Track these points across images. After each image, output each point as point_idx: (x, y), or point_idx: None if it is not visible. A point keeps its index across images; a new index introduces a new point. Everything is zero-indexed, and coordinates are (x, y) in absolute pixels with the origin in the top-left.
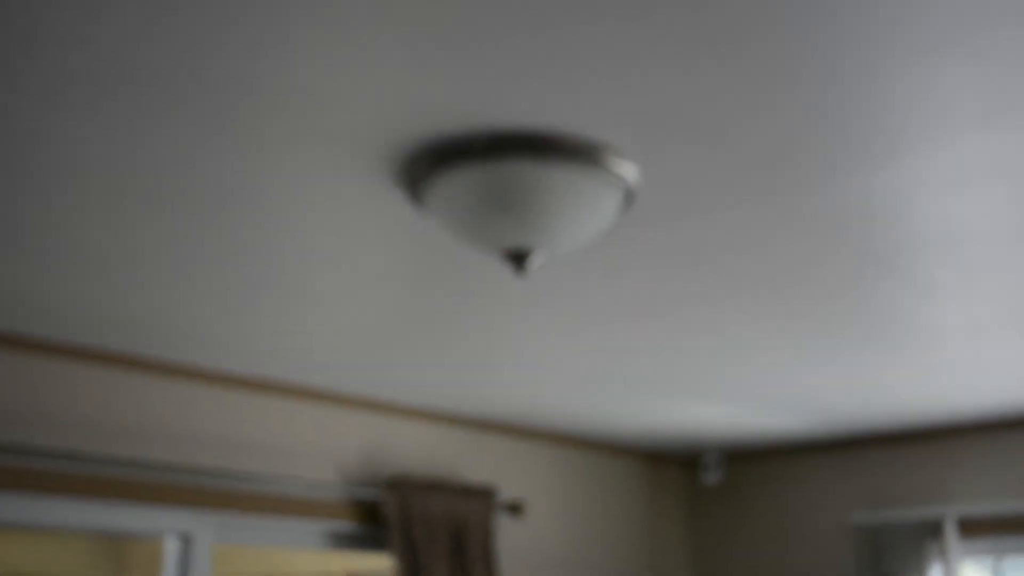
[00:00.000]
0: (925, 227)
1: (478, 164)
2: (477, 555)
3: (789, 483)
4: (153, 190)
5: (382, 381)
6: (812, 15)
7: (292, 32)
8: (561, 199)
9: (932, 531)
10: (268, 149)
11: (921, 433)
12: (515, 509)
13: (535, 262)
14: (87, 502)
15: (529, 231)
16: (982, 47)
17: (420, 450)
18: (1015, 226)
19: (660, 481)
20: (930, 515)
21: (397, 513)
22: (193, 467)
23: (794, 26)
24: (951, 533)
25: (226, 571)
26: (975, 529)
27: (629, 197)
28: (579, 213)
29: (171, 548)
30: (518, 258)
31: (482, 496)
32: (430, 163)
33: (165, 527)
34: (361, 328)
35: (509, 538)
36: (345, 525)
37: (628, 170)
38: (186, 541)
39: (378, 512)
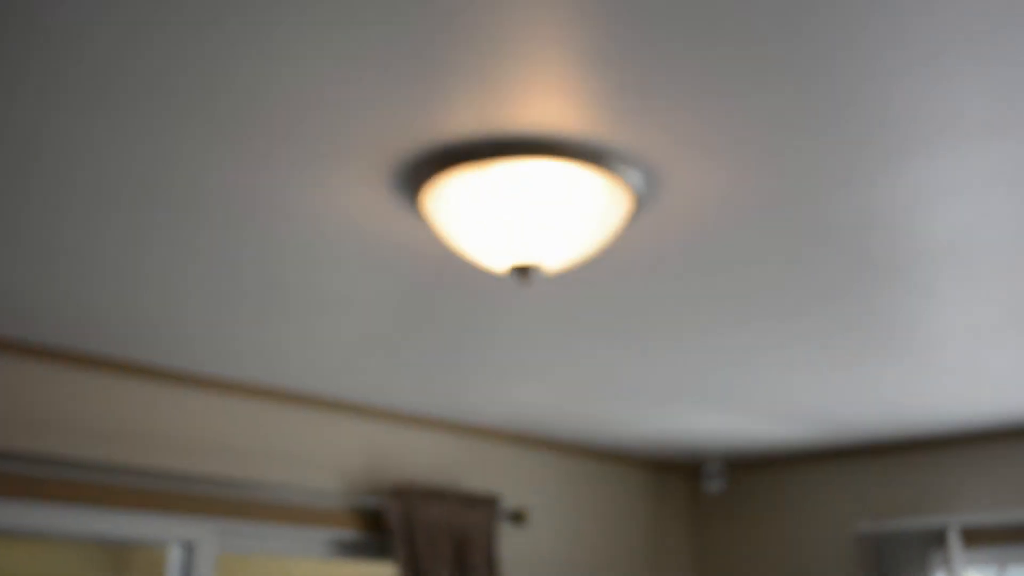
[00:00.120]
0: (929, 235)
1: (481, 169)
2: (480, 564)
3: (792, 492)
4: (158, 198)
5: (386, 389)
6: (816, 25)
7: (296, 40)
8: (566, 208)
9: (936, 540)
10: (271, 157)
11: (924, 442)
12: (518, 517)
13: (538, 272)
14: (91, 510)
15: (533, 241)
16: (986, 54)
17: (423, 458)
18: (1019, 233)
19: (663, 490)
20: (934, 524)
21: (400, 521)
22: (197, 475)
23: (801, 37)
24: (955, 542)
25: None
26: (979, 538)
27: (634, 207)
28: (583, 223)
29: (174, 556)
30: (522, 268)
31: (485, 504)
32: (433, 170)
33: (169, 535)
34: (364, 336)
35: (511, 546)
36: (348, 533)
37: (634, 179)
38: (189, 549)
39: (381, 520)
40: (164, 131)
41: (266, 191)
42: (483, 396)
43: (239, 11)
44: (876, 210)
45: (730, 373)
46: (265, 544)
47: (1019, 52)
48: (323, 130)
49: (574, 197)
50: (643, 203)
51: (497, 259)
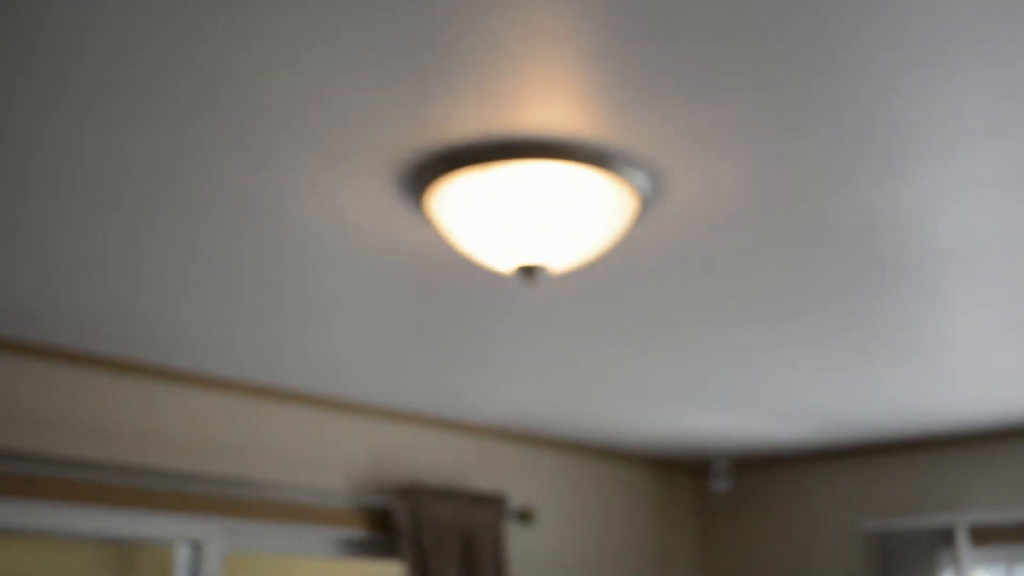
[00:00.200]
0: (934, 237)
1: (486, 172)
2: (487, 563)
3: (799, 491)
4: (158, 198)
5: (393, 389)
6: (820, 27)
7: (298, 41)
8: (570, 210)
9: (943, 539)
10: (276, 158)
11: (931, 441)
12: (525, 517)
13: (544, 272)
14: (99, 509)
15: (538, 242)
16: (993, 57)
17: (430, 458)
18: (1022, 234)
19: (669, 489)
20: (941, 523)
21: (407, 521)
22: (204, 475)
23: (806, 39)
24: (962, 541)
25: None
26: (986, 537)
27: (638, 208)
28: (588, 224)
29: (182, 555)
30: (527, 269)
31: (492, 504)
32: (438, 172)
33: (176, 534)
34: (372, 336)
35: (519, 546)
36: (356, 532)
37: (639, 180)
38: (197, 548)
39: (388, 519)
40: (165, 132)
41: (270, 193)
42: (489, 396)
43: (241, 12)
44: (880, 211)
45: (735, 373)
46: (272, 543)
47: (1022, 52)
48: (326, 132)
49: (578, 199)
50: (648, 204)
51: (502, 260)
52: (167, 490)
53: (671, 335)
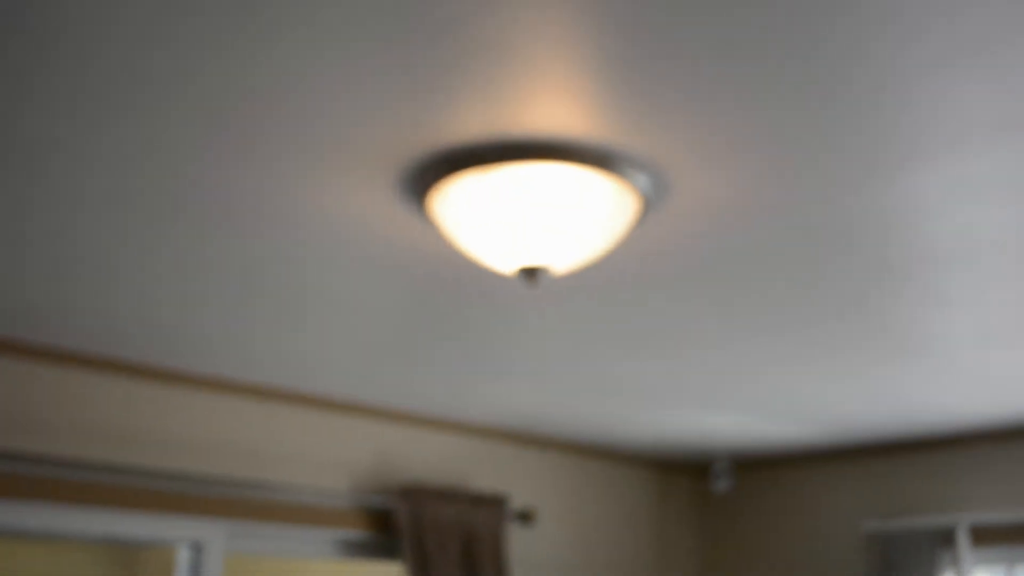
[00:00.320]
0: (937, 238)
1: (488, 173)
2: (488, 563)
3: (799, 491)
4: (169, 204)
5: (394, 390)
6: (828, 29)
7: (303, 46)
8: (573, 211)
9: (944, 539)
10: (276, 159)
11: (933, 441)
12: (526, 517)
13: (546, 274)
14: (100, 511)
15: (540, 243)
16: (998, 61)
17: (431, 459)
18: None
19: (670, 489)
20: (942, 523)
21: (408, 521)
22: (205, 476)
23: (811, 41)
24: (963, 541)
25: None
26: (987, 537)
27: (641, 211)
28: (591, 226)
29: (183, 557)
30: (529, 270)
31: (493, 504)
32: (441, 173)
33: (177, 536)
34: (373, 337)
35: (520, 546)
36: (356, 533)
37: (642, 182)
38: (198, 550)
39: (389, 520)
40: (168, 136)
41: (272, 195)
42: (490, 396)
43: (247, 16)
44: (884, 214)
45: (736, 373)
46: (273, 544)
47: (1020, 55)
48: (331, 134)
49: (581, 200)
50: (650, 206)
51: (505, 261)
52: (168, 491)
53: (672, 336)
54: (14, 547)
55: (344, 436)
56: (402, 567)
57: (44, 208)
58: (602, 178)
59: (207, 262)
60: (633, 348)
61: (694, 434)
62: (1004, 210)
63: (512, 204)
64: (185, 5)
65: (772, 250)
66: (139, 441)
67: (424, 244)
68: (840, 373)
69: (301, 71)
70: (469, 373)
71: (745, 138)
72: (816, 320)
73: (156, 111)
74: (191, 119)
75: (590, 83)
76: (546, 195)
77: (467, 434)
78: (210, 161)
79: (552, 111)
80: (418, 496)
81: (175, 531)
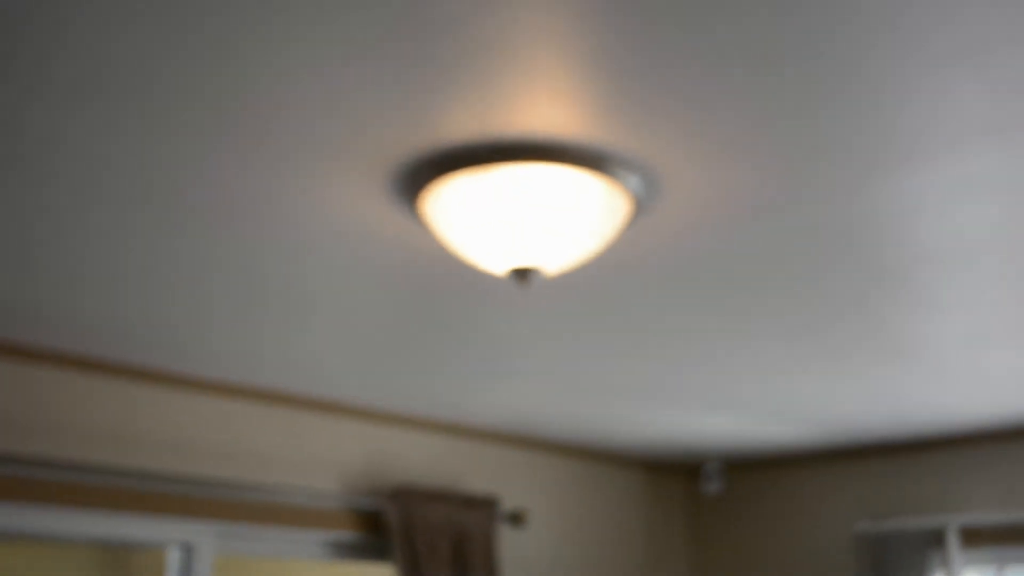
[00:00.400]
0: (929, 239)
1: (480, 173)
2: (479, 565)
3: (790, 493)
4: (153, 200)
5: (385, 391)
6: (821, 31)
7: (294, 43)
8: (565, 212)
9: (934, 541)
10: (269, 159)
11: (923, 443)
12: (517, 519)
13: (537, 275)
14: (90, 512)
15: (532, 244)
16: (990, 64)
17: (422, 460)
18: (1018, 239)
19: (661, 491)
20: (932, 524)
21: (399, 523)
22: (196, 477)
23: (805, 43)
24: (953, 542)
25: None
26: (977, 539)
27: (633, 211)
28: (582, 227)
29: (173, 558)
30: (521, 271)
31: (484, 506)
32: (433, 174)
33: (168, 537)
34: (363, 338)
35: (511, 548)
36: (347, 535)
37: (633, 183)
38: (188, 551)
39: (380, 522)
40: (153, 132)
41: (261, 193)
42: (481, 398)
43: (251, 24)
44: (878, 216)
45: (728, 374)
46: (264, 546)
47: (1013, 57)
48: (328, 135)
49: (573, 201)
50: (642, 207)
51: (496, 262)
52: (159, 493)
53: (663, 337)
54: (1, 549)
55: (335, 437)
56: (393, 568)
57: (47, 210)
58: (594, 179)
59: (200, 264)
60: (625, 349)
61: (685, 435)
62: (999, 211)
63: (504, 205)
64: (188, 9)
65: (765, 251)
66: (129, 442)
67: (417, 245)
68: (833, 374)
69: (299, 73)
70: (460, 374)
71: (737, 140)
72: (809, 321)
73: (160, 114)
74: (193, 122)
75: (583, 84)
76: (538, 196)
77: (458, 435)
78: (195, 159)
79: (545, 112)
80: (409, 497)
81: (165, 532)
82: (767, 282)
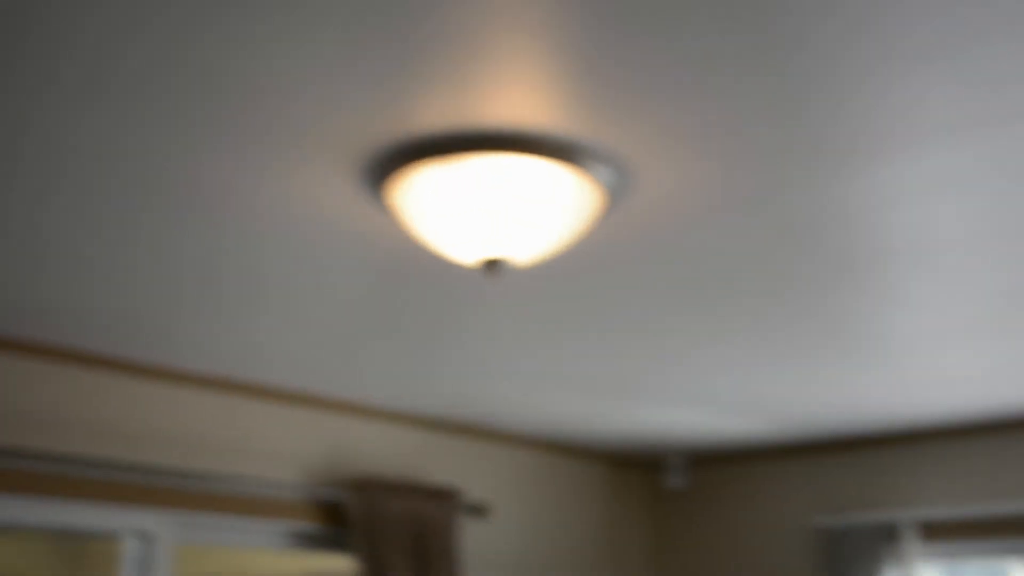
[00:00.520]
0: (892, 235)
1: (450, 164)
2: (440, 557)
3: (752, 487)
4: (120, 186)
5: (347, 381)
6: (793, 28)
7: (263, 30)
8: (536, 203)
9: (891, 535)
10: (235, 146)
11: (883, 438)
12: (479, 511)
13: (507, 266)
14: (45, 501)
15: (502, 235)
16: (959, 61)
17: (384, 451)
18: (981, 236)
19: (624, 484)
20: (890, 519)
21: (360, 514)
22: (156, 466)
23: (776, 41)
24: (910, 537)
25: (189, 572)
26: (934, 533)
27: (605, 203)
28: (553, 218)
29: (132, 548)
30: (490, 262)
31: (446, 498)
32: (403, 164)
33: (124, 526)
34: (326, 328)
35: (473, 540)
36: (308, 526)
37: (605, 175)
38: (147, 541)
39: (341, 513)
40: (120, 117)
41: (229, 181)
42: (446, 390)
43: (215, 11)
44: (842, 209)
45: (691, 368)
46: (224, 536)
47: (982, 54)
48: (295, 123)
49: (544, 192)
50: (613, 199)
51: (466, 252)
52: (117, 481)
53: (628, 330)
54: None
55: (296, 427)
56: (354, 559)
57: (15, 202)
58: (566, 171)
59: (163, 252)
60: (590, 343)
61: (648, 429)
62: (966, 209)
63: (475, 195)
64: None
65: (733, 247)
66: (88, 431)
67: (385, 234)
68: (796, 370)
69: (266, 61)
70: (424, 366)
71: (710, 135)
72: (774, 317)
73: (125, 104)
74: (158, 112)
75: (556, 75)
76: (508, 187)
77: (421, 427)
78: (160, 145)
79: (516, 103)
80: (370, 489)
81: (124, 522)
82: (734, 278)
